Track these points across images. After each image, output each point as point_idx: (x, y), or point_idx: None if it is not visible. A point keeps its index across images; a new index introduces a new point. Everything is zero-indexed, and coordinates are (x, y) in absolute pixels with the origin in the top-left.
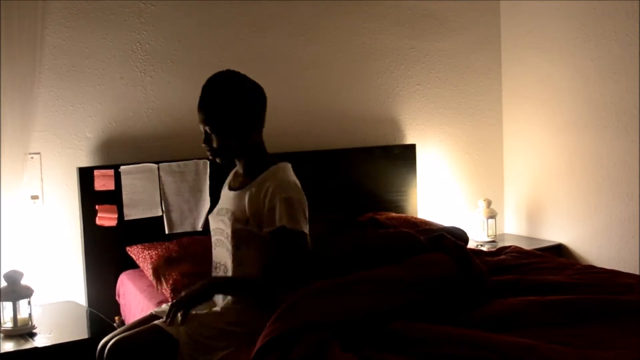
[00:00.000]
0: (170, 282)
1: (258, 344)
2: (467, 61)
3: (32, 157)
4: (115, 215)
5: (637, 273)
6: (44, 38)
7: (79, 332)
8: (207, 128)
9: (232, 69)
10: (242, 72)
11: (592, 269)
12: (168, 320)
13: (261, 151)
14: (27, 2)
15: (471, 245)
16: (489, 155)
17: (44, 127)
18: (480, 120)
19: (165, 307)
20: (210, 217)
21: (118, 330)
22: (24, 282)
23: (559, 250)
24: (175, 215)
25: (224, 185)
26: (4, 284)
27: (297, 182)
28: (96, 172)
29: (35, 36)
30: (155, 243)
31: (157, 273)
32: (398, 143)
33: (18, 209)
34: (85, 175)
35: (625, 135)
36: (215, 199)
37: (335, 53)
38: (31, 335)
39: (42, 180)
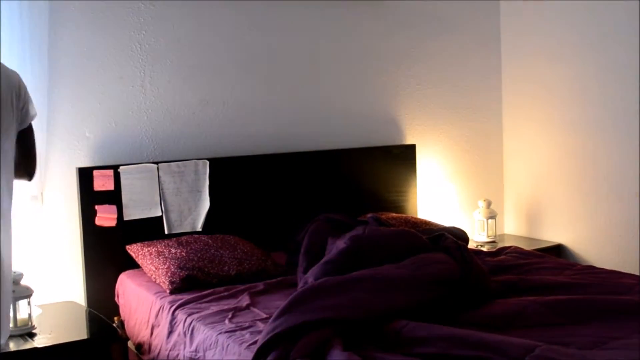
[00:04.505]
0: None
1: (261, 340)
2: (467, 61)
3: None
4: (115, 216)
5: (637, 273)
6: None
7: (79, 332)
8: None
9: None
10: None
11: (592, 269)
12: None
13: None
14: (35, 2)
15: (471, 245)
16: (489, 155)
17: (44, 128)
18: (480, 120)
19: None
20: None
21: None
22: (23, 282)
23: (559, 250)
24: (174, 216)
25: None
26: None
27: None
28: (96, 172)
29: (43, 37)
30: (154, 241)
31: None
32: (398, 143)
33: (18, 209)
34: (85, 175)
35: (625, 135)
36: (215, 199)
37: (335, 53)
38: (31, 335)
39: (42, 181)
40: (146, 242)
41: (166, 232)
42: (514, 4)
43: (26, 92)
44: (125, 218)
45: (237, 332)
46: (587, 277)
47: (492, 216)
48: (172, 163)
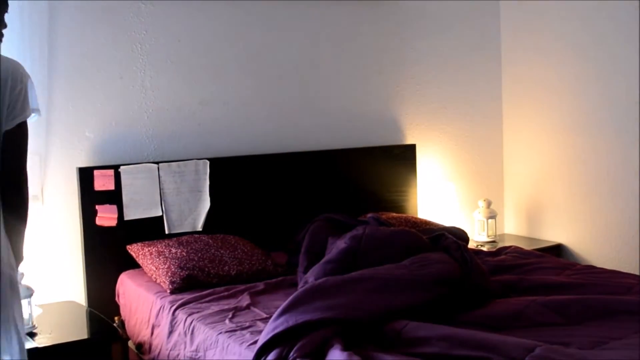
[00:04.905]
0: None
1: (261, 340)
2: (467, 61)
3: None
4: (115, 215)
5: (637, 273)
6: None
7: (79, 332)
8: None
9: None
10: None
11: (592, 269)
12: None
13: None
14: (35, 2)
15: (471, 245)
16: (489, 155)
17: (44, 127)
18: (480, 120)
19: None
20: None
21: None
22: (24, 282)
23: (559, 250)
24: (175, 215)
25: None
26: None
27: None
28: (96, 172)
29: (43, 37)
30: (155, 241)
31: None
32: (398, 143)
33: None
34: (85, 175)
35: (625, 135)
36: (215, 199)
37: (336, 53)
38: (31, 335)
39: (42, 180)
40: (146, 242)
41: (166, 232)
42: (514, 4)
43: (19, 85)
44: (126, 218)
45: (238, 332)
46: (587, 277)
47: (492, 216)
48: (172, 163)
